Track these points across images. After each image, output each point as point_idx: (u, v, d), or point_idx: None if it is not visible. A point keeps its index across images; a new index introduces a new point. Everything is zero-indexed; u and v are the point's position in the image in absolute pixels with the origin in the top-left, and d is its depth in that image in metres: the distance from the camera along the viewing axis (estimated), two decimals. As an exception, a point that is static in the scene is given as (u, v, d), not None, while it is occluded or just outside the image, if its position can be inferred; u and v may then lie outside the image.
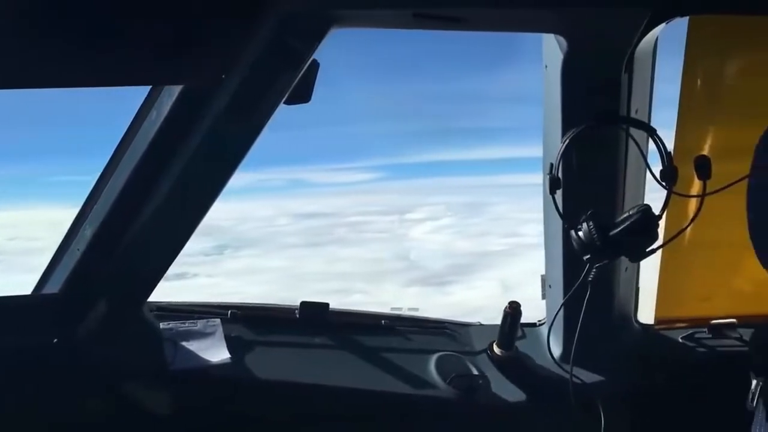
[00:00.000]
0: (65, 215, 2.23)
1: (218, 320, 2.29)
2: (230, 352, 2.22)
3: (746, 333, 2.38)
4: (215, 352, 2.22)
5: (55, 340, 2.13)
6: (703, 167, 1.89)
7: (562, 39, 1.92)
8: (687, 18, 1.99)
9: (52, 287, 2.20)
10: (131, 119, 2.03)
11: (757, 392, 1.43)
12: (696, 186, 1.94)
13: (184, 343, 2.22)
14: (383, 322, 2.48)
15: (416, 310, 2.66)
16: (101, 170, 2.11)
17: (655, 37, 1.99)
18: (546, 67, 2.06)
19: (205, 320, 2.28)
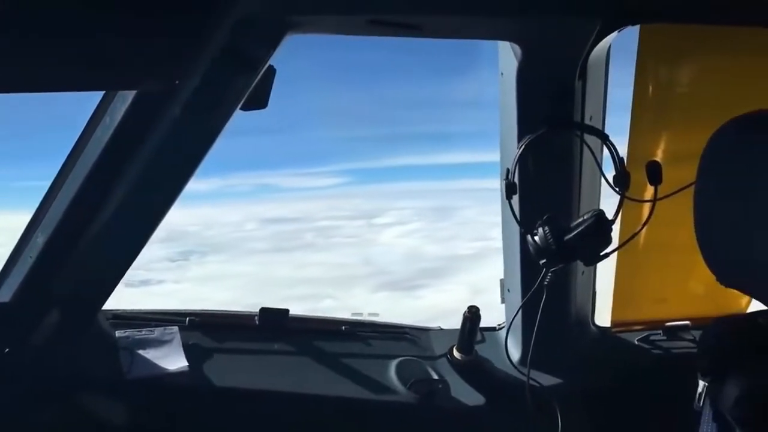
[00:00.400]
0: (23, 221, 2.19)
1: (176, 328, 2.27)
2: (188, 360, 2.20)
3: (699, 334, 2.43)
4: (173, 360, 2.20)
5: (7, 350, 2.08)
6: (654, 172, 1.93)
7: (516, 47, 1.95)
8: (638, 26, 2.04)
9: (4, 296, 2.15)
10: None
11: (704, 393, 1.46)
12: (650, 191, 1.98)
13: (140, 352, 2.19)
14: (343, 327, 2.48)
15: (376, 315, 2.67)
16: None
17: (607, 45, 2.03)
18: (502, 74, 2.09)
19: (162, 328, 2.26)
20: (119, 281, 2.16)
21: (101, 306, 2.22)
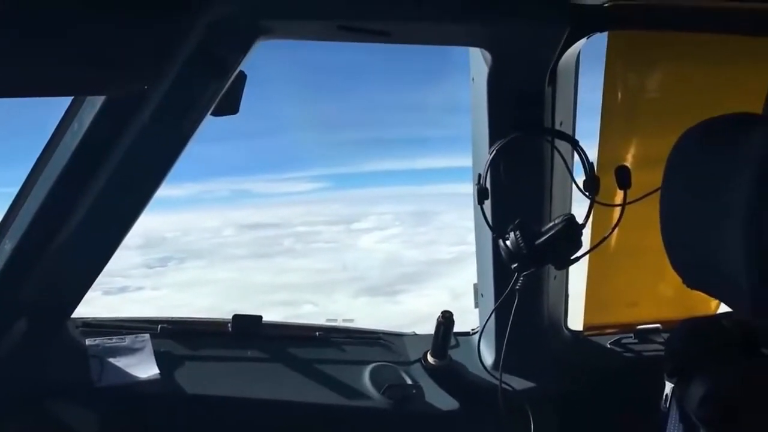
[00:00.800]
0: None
1: (147, 335, 2.24)
2: (160, 368, 2.17)
3: None
4: (144, 368, 2.17)
5: None
6: (623, 177, 1.96)
7: (486, 53, 1.96)
8: (606, 33, 2.07)
9: (-29, 304, 2.12)
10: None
11: (670, 394, 1.49)
12: (620, 195, 2.00)
13: (111, 360, 2.16)
14: (317, 333, 2.47)
15: (351, 321, 2.67)
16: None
17: (577, 51, 2.05)
18: (473, 79, 2.10)
19: (133, 336, 2.23)
20: (89, 289, 2.14)
21: (71, 314, 2.19)
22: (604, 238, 2.05)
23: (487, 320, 2.23)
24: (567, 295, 2.48)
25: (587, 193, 1.98)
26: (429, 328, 2.48)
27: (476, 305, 2.47)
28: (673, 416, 1.48)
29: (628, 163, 2.23)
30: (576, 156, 2.05)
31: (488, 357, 2.36)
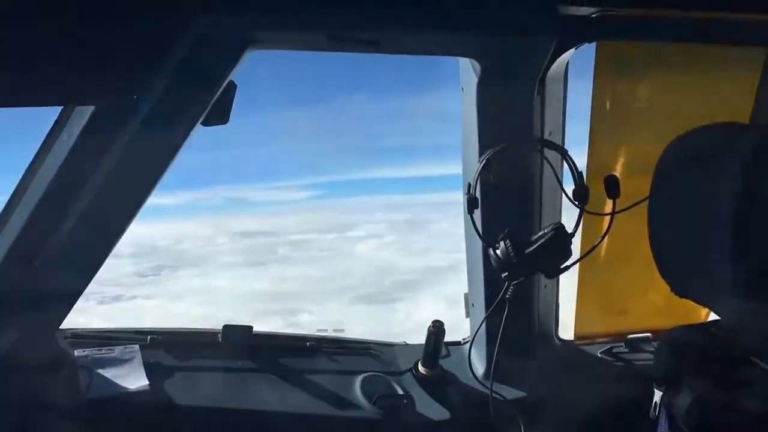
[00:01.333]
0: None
1: (137, 346, 2.23)
2: (149, 379, 2.16)
3: None
4: (133, 379, 2.16)
5: None
6: (611, 186, 1.97)
7: (476, 63, 1.97)
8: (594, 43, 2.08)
9: (-41, 315, 2.10)
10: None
11: (659, 402, 1.49)
12: (610, 203, 2.01)
13: (100, 371, 2.15)
14: (308, 344, 2.46)
15: (341, 331, 2.66)
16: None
17: (565, 62, 2.07)
18: (462, 89, 2.11)
19: (122, 347, 2.22)
20: (77, 299, 2.12)
21: (59, 324, 2.18)
22: (594, 247, 2.05)
23: (478, 329, 2.23)
24: (557, 304, 2.48)
25: (576, 202, 1.98)
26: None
27: (467, 314, 2.47)
28: (662, 424, 1.48)
29: (617, 172, 2.24)
30: (565, 165, 2.06)
31: (479, 366, 2.35)
